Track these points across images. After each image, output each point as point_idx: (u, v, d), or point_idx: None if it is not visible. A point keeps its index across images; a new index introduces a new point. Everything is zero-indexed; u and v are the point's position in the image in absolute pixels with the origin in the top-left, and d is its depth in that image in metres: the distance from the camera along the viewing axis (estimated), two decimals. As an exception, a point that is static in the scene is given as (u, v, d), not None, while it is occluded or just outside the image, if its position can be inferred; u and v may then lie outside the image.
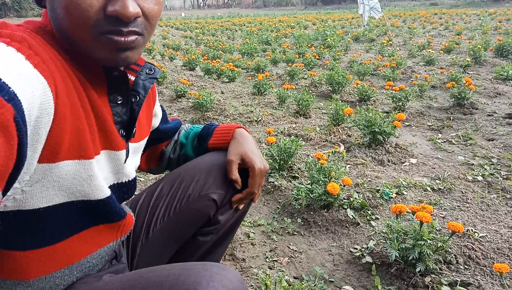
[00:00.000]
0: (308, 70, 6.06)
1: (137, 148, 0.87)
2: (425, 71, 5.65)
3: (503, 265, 1.18)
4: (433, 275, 1.46)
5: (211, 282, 0.64)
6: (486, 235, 1.66)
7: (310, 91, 4.46)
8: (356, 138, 2.96)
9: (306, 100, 3.57)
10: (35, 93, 0.52)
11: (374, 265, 1.53)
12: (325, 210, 1.94)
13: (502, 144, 2.85)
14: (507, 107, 3.79)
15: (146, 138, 0.92)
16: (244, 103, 4.20)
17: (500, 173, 2.37)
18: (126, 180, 0.83)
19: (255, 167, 0.98)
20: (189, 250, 1.05)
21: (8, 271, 0.68)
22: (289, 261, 1.64)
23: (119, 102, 0.76)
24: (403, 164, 2.55)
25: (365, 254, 1.64)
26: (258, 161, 0.99)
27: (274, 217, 1.96)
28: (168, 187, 1.02)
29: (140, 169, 1.07)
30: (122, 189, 0.83)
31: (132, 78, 0.81)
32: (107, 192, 0.74)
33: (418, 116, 3.65)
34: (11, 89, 0.46)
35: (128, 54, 0.66)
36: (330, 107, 3.25)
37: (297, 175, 2.35)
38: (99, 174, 0.71)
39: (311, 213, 1.94)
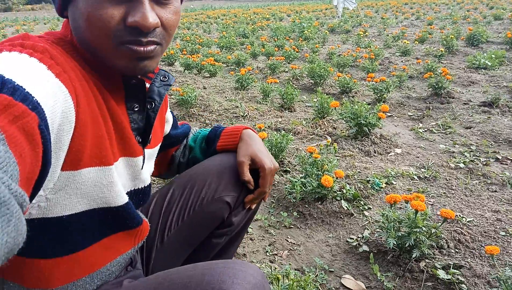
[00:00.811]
0: (288, 63, 6.11)
1: (152, 154, 0.89)
2: (402, 61, 5.80)
3: (494, 247, 1.27)
4: (427, 260, 1.54)
5: (235, 279, 0.68)
6: (473, 220, 1.76)
7: (292, 84, 4.51)
8: (341, 130, 3.03)
9: (290, 93, 3.61)
10: (57, 101, 0.54)
11: (371, 253, 1.60)
12: (319, 202, 2.00)
13: (479, 131, 2.99)
14: (481, 95, 3.96)
15: (160, 144, 0.93)
16: (227, 98, 4.21)
17: (480, 159, 2.50)
18: (142, 186, 0.85)
19: (265, 167, 1.00)
20: (203, 252, 1.08)
21: (32, 280, 0.69)
22: (289, 254, 1.69)
23: (136, 109, 0.77)
24: (389, 154, 2.64)
25: (361, 244, 1.70)
26: (267, 160, 1.01)
27: (270, 211, 2.00)
28: (179, 191, 1.03)
29: (152, 175, 1.09)
30: (139, 195, 0.85)
31: (147, 85, 0.82)
32: (126, 198, 0.76)
33: (399, 106, 3.76)
34: (34, 98, 0.48)
35: (146, 63, 0.68)
36: (315, 100, 3.31)
37: (288, 169, 2.40)
38: (118, 180, 0.73)
39: (306, 206, 1.99)
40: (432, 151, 2.68)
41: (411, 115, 3.49)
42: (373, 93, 3.84)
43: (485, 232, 1.66)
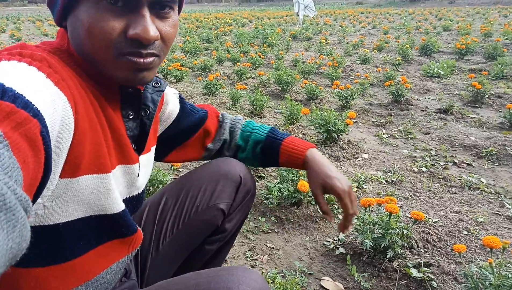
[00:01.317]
0: (254, 69, 6.19)
1: (148, 159, 0.90)
2: (363, 69, 6.05)
3: (461, 245, 1.38)
4: (399, 260, 1.64)
5: (240, 285, 0.71)
6: (438, 220, 1.89)
7: (260, 91, 4.58)
8: (311, 136, 3.13)
9: (260, 100, 3.68)
10: (57, 109, 0.55)
11: (348, 255, 1.68)
12: (296, 207, 2.06)
13: (437, 137, 3.20)
14: (436, 103, 4.23)
15: (154, 146, 0.93)
16: (196, 104, 4.20)
17: (439, 163, 2.68)
18: (137, 193, 0.86)
19: (340, 192, 0.96)
20: (194, 259, 1.10)
21: None
22: (269, 258, 1.74)
23: (131, 116, 0.79)
24: (357, 159, 2.76)
25: (337, 246, 1.78)
26: (339, 183, 0.97)
27: (247, 217, 2.04)
28: (173, 200, 1.04)
29: (193, 159, 1.10)
30: (133, 202, 0.86)
31: (141, 92, 0.84)
32: (122, 206, 0.77)
33: (363, 113, 3.94)
34: (35, 106, 0.48)
35: (145, 74, 0.69)
36: (285, 106, 3.39)
37: (263, 174, 2.45)
38: (116, 188, 0.74)
39: (283, 211, 2.05)
40: (396, 156, 2.84)
41: (375, 122, 3.67)
42: (339, 100, 3.99)
43: (450, 232, 1.79)
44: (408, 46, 6.85)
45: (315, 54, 7.89)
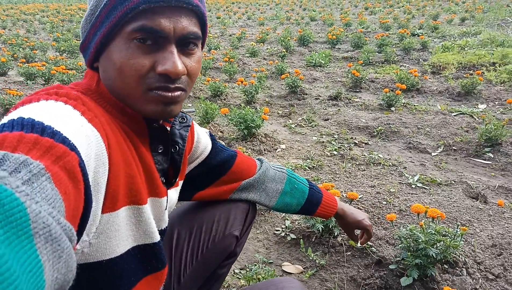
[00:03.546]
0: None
1: (174, 194, 0.93)
2: (254, 62, 6.38)
3: (392, 215, 1.71)
4: (342, 235, 1.92)
5: None
6: (362, 196, 2.24)
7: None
8: (229, 133, 3.27)
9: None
10: (91, 145, 0.59)
11: (301, 239, 1.90)
12: (240, 204, 2.19)
13: (336, 122, 3.66)
14: (325, 90, 4.77)
15: (182, 181, 0.97)
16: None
17: (344, 145, 3.10)
18: (164, 227, 0.89)
19: (369, 229, 1.30)
20: (208, 283, 1.15)
21: None
22: (230, 256, 1.84)
23: (160, 151, 0.82)
24: (277, 151, 3.01)
25: (288, 233, 1.98)
26: (366, 223, 1.30)
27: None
28: (186, 232, 1.08)
29: (223, 197, 1.13)
30: (162, 236, 0.89)
31: (167, 128, 0.87)
32: (158, 236, 0.81)
33: (267, 105, 4.22)
34: (71, 142, 0.53)
35: (173, 107, 0.74)
36: (200, 106, 3.44)
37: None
38: (152, 218, 0.79)
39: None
40: (307, 143, 3.18)
41: (280, 113, 3.98)
42: (244, 95, 4.19)
43: (373, 204, 2.15)
44: (289, 38, 7.43)
45: (204, 48, 7.96)
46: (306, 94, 4.53)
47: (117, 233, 0.69)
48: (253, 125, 2.98)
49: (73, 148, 0.51)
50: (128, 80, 0.68)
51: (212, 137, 1.10)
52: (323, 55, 6.33)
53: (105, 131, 0.64)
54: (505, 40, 6.77)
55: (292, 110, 3.99)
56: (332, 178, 2.54)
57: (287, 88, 4.57)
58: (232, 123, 3.09)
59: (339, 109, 3.99)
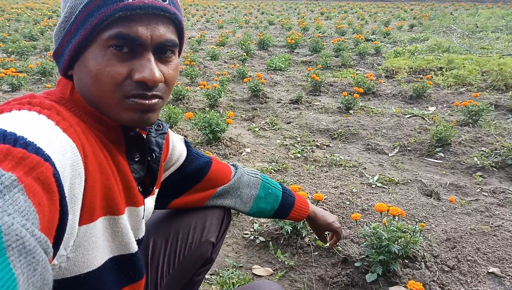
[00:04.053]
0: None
1: (151, 202, 0.93)
2: (215, 66, 6.38)
3: (356, 214, 1.80)
4: (309, 236, 1.98)
5: None
6: (326, 197, 2.32)
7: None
8: (193, 138, 3.25)
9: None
10: (66, 155, 0.58)
11: (270, 242, 1.93)
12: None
13: (297, 125, 3.75)
14: (286, 94, 4.87)
15: (158, 190, 0.97)
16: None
17: (307, 148, 3.19)
18: (141, 237, 0.88)
19: (338, 231, 1.36)
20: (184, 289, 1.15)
21: None
22: (200, 262, 1.84)
23: (137, 159, 0.82)
24: (242, 154, 3.04)
25: (256, 236, 2.02)
26: (336, 225, 1.35)
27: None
28: (162, 240, 1.07)
29: (198, 205, 1.13)
30: (139, 246, 0.89)
31: (144, 136, 0.87)
32: (136, 247, 0.80)
33: (230, 109, 4.24)
34: (45, 152, 0.51)
35: (150, 115, 0.74)
36: (162, 110, 3.39)
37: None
38: (130, 228, 0.78)
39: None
40: (272, 146, 3.24)
41: (244, 117, 4.01)
42: (207, 99, 4.18)
43: (337, 204, 2.24)
44: (248, 41, 7.50)
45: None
46: (268, 98, 4.60)
47: (95, 245, 0.67)
48: (218, 129, 2.99)
49: (47, 158, 0.50)
50: (105, 88, 0.67)
51: (187, 144, 1.10)
52: (283, 59, 6.45)
53: (80, 141, 0.63)
54: (450, 46, 7.25)
55: (255, 114, 4.04)
56: (297, 180, 2.60)
57: (249, 91, 4.61)
58: (196, 127, 3.08)
59: (300, 113, 4.09)
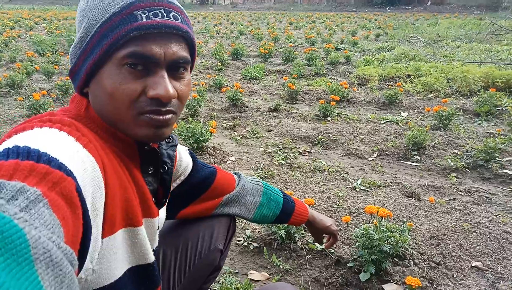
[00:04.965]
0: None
1: (164, 213, 0.95)
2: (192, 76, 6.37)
3: (347, 217, 1.87)
4: (302, 239, 2.03)
5: None
6: (315, 202, 2.39)
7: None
8: (177, 147, 3.24)
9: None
10: (87, 170, 0.61)
11: (264, 247, 1.97)
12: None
13: (278, 132, 3.82)
14: (264, 103, 4.94)
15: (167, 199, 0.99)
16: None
17: (290, 155, 3.26)
18: (156, 247, 0.90)
19: (336, 234, 1.42)
20: None
21: None
22: (196, 270, 1.85)
23: (150, 172, 0.84)
24: (227, 163, 3.06)
25: (250, 242, 2.05)
26: (333, 228, 1.40)
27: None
28: (172, 250, 1.09)
29: (205, 214, 1.15)
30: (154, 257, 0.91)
31: (157, 150, 0.90)
32: (153, 257, 0.83)
33: (210, 118, 4.26)
34: (67, 168, 0.53)
35: (164, 130, 0.76)
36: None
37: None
38: (147, 239, 0.81)
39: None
40: (255, 154, 3.28)
41: (224, 126, 4.04)
42: (187, 109, 4.18)
43: (326, 208, 2.30)
44: (222, 51, 7.55)
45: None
46: (247, 107, 4.65)
47: (116, 256, 0.69)
48: (202, 139, 3.01)
49: (69, 173, 0.52)
50: (120, 105, 0.69)
51: (192, 154, 1.13)
52: (258, 68, 6.54)
53: (100, 156, 0.65)
54: (415, 54, 7.61)
55: (235, 123, 4.08)
56: (284, 186, 2.66)
57: (227, 101, 4.65)
58: (180, 137, 3.08)
59: (280, 121, 4.17)
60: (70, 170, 0.53)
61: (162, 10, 0.69)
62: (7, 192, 0.39)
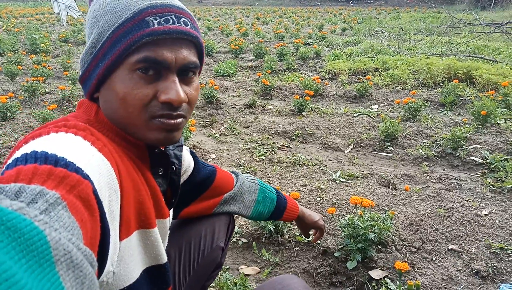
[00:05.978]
0: (44, 82, 5.46)
1: (171, 212, 0.98)
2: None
3: (332, 208, 1.95)
4: (289, 233, 2.10)
5: None
6: (300, 195, 2.45)
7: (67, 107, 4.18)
8: (156, 147, 3.22)
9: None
10: (102, 173, 0.63)
11: (253, 242, 2.02)
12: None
13: (256, 128, 3.86)
14: (239, 99, 4.97)
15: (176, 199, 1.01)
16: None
17: (269, 150, 3.31)
18: (168, 247, 0.94)
19: (321, 227, 1.47)
20: None
21: None
22: (188, 269, 1.88)
23: (160, 173, 0.87)
24: (208, 160, 3.08)
25: (238, 238, 2.09)
26: (321, 223, 1.46)
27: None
28: (176, 250, 1.11)
29: (207, 213, 1.18)
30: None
31: (167, 152, 0.92)
32: (165, 258, 0.85)
33: (186, 116, 4.24)
34: (84, 171, 0.54)
35: (175, 134, 0.78)
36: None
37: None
38: (160, 240, 0.85)
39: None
40: (235, 151, 3.31)
41: (202, 124, 4.04)
42: (162, 107, 4.14)
43: (309, 201, 2.38)
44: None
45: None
46: (223, 104, 4.67)
47: (132, 258, 0.71)
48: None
49: (86, 177, 0.54)
50: (132, 109, 0.71)
51: (193, 154, 1.15)
52: (230, 64, 6.55)
53: (114, 159, 0.67)
54: (381, 48, 7.86)
55: (213, 120, 4.09)
56: (267, 181, 2.71)
57: (203, 98, 4.64)
58: (160, 137, 3.06)
59: (256, 117, 4.21)
60: (86, 174, 0.54)
61: (173, 16, 0.72)
62: (27, 196, 0.40)
